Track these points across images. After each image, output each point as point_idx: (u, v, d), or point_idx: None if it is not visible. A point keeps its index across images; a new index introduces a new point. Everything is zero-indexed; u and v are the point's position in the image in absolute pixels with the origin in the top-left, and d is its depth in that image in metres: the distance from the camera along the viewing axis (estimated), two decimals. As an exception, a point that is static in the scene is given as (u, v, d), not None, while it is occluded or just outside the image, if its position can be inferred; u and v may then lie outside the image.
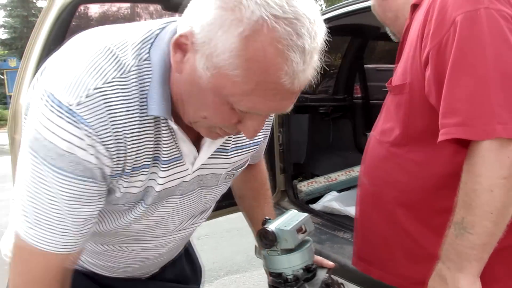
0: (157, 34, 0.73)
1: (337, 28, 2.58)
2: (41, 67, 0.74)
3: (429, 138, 0.95)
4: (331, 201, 2.48)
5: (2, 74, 13.59)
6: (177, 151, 0.78)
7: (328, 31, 0.67)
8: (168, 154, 0.77)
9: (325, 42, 0.66)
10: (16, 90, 1.47)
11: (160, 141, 0.75)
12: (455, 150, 0.93)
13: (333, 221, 2.24)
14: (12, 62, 13.26)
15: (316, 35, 0.63)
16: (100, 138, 0.66)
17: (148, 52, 0.71)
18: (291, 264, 0.89)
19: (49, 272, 0.74)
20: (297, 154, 2.85)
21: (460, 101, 0.84)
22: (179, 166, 0.80)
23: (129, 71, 0.69)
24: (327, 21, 0.70)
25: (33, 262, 0.73)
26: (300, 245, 0.89)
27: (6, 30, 19.86)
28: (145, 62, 0.70)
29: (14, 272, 0.77)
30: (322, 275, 0.94)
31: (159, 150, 0.76)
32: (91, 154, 0.67)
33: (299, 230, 0.89)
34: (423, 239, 1.05)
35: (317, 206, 2.53)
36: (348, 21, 2.36)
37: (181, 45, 0.67)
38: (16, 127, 1.49)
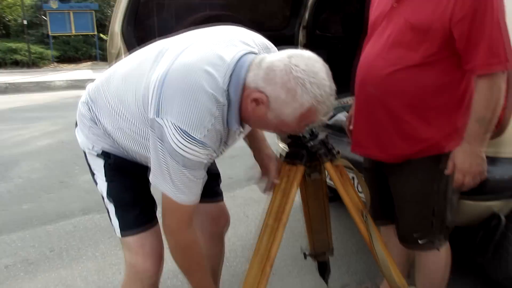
0: (233, 69, 1.18)
1: None
2: (152, 86, 1.20)
3: (440, 63, 1.47)
4: (341, 117, 3.08)
5: (44, 15, 14.11)
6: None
7: None
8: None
9: None
10: (113, 17, 2.12)
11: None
12: (458, 74, 1.49)
13: (341, 131, 2.83)
14: (54, 4, 13.65)
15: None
16: (213, 149, 1.23)
17: (228, 86, 1.18)
18: None
19: (189, 214, 1.32)
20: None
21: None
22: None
23: (223, 105, 1.19)
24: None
25: (180, 210, 1.29)
26: None
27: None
28: (227, 93, 1.19)
29: (169, 215, 1.31)
30: (321, 136, 1.57)
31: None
32: (208, 158, 1.24)
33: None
34: (418, 127, 1.54)
35: (329, 121, 3.14)
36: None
37: (257, 101, 1.17)
38: (112, 44, 2.17)
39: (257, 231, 1.55)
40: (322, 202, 1.80)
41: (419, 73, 1.49)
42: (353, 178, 2.13)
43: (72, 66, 13.90)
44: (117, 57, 2.13)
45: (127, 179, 1.50)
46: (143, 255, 1.47)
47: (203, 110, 1.15)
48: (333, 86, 1.19)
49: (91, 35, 14.60)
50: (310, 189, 1.72)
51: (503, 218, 1.83)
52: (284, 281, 2.40)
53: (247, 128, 1.42)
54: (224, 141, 1.30)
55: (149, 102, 1.20)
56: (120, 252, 2.72)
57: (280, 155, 1.70)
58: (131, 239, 1.47)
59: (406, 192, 1.67)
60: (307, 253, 2.05)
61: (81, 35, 14.63)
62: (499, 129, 1.73)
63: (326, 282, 2.24)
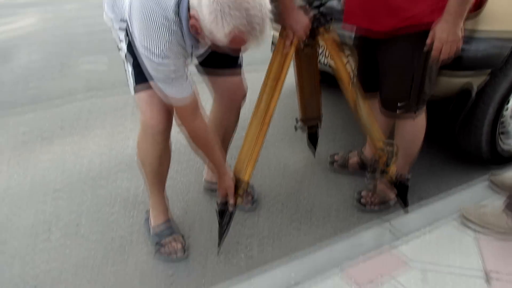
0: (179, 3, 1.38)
1: None
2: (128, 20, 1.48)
3: None
4: (333, 3, 3.17)
5: None
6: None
7: None
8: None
9: None
10: None
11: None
12: None
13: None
14: None
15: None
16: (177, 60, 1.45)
17: (179, 6, 1.37)
18: None
19: (190, 108, 1.54)
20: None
21: None
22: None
23: (175, 21, 1.39)
24: None
25: (180, 104, 1.52)
26: None
27: None
28: (178, 11, 1.38)
29: (175, 110, 1.56)
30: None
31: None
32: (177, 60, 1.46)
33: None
34: (404, 3, 1.69)
35: (322, 8, 3.23)
36: None
37: (194, 18, 1.35)
38: None
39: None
40: (314, 70, 2.01)
41: None
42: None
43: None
44: None
45: None
46: (151, 112, 1.67)
47: (160, 28, 1.39)
48: (265, 17, 1.33)
49: None
50: (304, 56, 1.91)
51: (474, 88, 2.05)
52: (276, 146, 2.69)
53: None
54: (191, 52, 1.52)
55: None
56: (126, 123, 3.00)
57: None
58: (142, 95, 1.66)
59: (389, 62, 1.85)
60: (298, 120, 2.30)
61: None
62: (477, 7, 1.88)
63: (315, 149, 2.53)
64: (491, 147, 2.30)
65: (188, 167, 2.49)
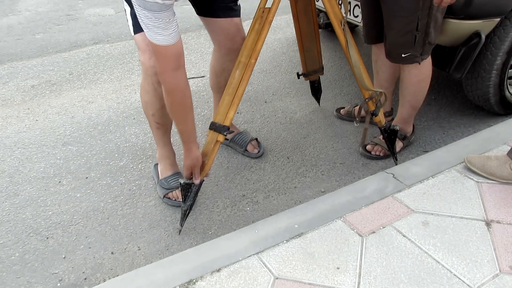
0: None
1: None
2: None
3: None
4: None
5: None
6: None
7: None
8: None
9: None
10: None
11: None
12: None
13: None
14: None
15: None
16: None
17: None
18: None
19: (172, 56, 1.40)
20: None
21: None
22: None
23: None
24: None
25: (162, 52, 1.39)
26: None
27: None
28: None
29: (156, 58, 1.42)
30: None
31: None
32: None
33: None
34: None
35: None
36: None
37: None
38: None
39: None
40: (311, 18, 1.98)
41: None
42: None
43: None
44: None
45: None
46: (149, 53, 1.65)
47: None
48: None
49: None
50: (300, 4, 1.88)
51: (483, 36, 2.02)
52: (283, 101, 2.69)
53: None
54: None
55: None
56: (133, 76, 3.01)
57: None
58: (140, 37, 1.65)
59: (393, 7, 1.81)
60: (300, 73, 2.29)
61: None
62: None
63: (318, 101, 2.53)
64: (499, 94, 2.30)
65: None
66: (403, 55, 1.88)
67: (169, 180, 1.94)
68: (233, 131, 1.94)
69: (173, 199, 1.90)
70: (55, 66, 3.17)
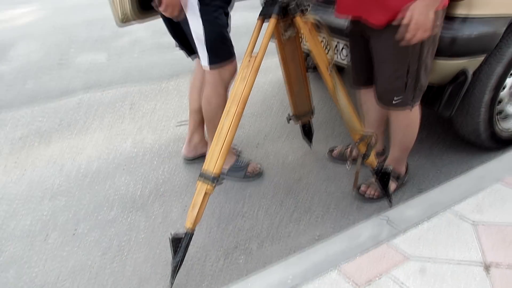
0: None
1: None
2: None
3: None
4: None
5: None
6: None
7: None
8: None
9: None
10: None
11: None
12: None
13: (327, 1, 2.90)
14: None
15: None
16: None
17: None
18: None
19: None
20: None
21: None
22: None
23: None
24: None
25: None
26: None
27: None
28: None
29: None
30: None
31: None
32: None
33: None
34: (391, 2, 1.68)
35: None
36: None
37: None
38: None
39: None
40: (299, 62, 1.99)
41: None
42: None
43: None
44: None
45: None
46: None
47: None
48: None
49: None
50: (287, 49, 1.90)
51: (469, 74, 2.03)
52: (274, 144, 2.67)
53: None
54: None
55: None
56: (124, 124, 2.99)
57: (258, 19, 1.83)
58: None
59: (384, 52, 1.82)
60: (289, 117, 2.28)
61: None
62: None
63: (310, 143, 2.51)
64: (490, 129, 2.30)
65: (184, 168, 2.49)
66: (394, 101, 1.88)
67: (238, 162, 2.34)
68: (222, 182, 1.92)
69: (251, 173, 2.33)
70: (45, 115, 3.16)
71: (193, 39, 1.98)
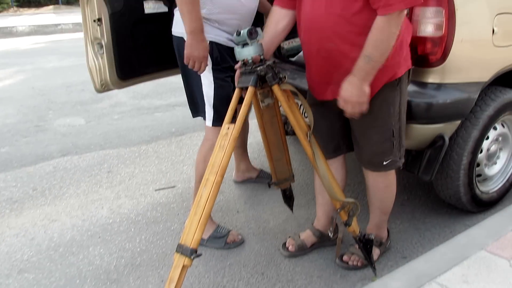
0: None
1: None
2: None
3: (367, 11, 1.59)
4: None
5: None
6: None
7: None
8: None
9: None
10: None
11: None
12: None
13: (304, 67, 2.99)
14: None
15: None
16: None
17: None
18: (250, 52, 1.69)
19: None
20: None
21: None
22: None
23: None
24: None
25: None
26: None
27: None
28: None
29: None
30: (269, 62, 1.73)
31: None
32: None
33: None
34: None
35: (295, 58, 3.28)
36: None
37: None
38: None
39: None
40: (278, 129, 1.99)
41: (361, 17, 1.61)
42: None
43: (32, 10, 13.33)
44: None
45: None
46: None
47: None
48: None
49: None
50: (266, 116, 1.90)
51: (446, 139, 2.05)
52: (255, 209, 2.62)
53: None
54: None
55: None
56: (101, 189, 2.91)
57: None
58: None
59: (367, 119, 1.78)
60: (270, 182, 2.25)
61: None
62: (442, 57, 1.92)
63: (291, 208, 2.46)
64: (470, 192, 2.31)
65: (162, 237, 2.40)
66: (384, 163, 1.87)
67: (218, 231, 2.28)
68: (200, 254, 1.84)
69: (231, 242, 2.26)
70: (18, 181, 3.06)
71: (201, 97, 2.09)
